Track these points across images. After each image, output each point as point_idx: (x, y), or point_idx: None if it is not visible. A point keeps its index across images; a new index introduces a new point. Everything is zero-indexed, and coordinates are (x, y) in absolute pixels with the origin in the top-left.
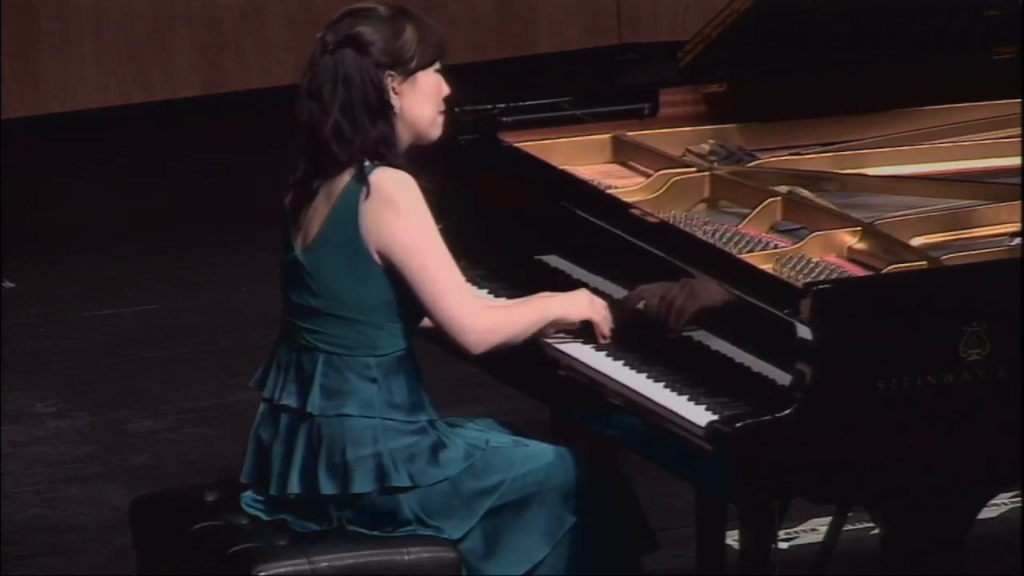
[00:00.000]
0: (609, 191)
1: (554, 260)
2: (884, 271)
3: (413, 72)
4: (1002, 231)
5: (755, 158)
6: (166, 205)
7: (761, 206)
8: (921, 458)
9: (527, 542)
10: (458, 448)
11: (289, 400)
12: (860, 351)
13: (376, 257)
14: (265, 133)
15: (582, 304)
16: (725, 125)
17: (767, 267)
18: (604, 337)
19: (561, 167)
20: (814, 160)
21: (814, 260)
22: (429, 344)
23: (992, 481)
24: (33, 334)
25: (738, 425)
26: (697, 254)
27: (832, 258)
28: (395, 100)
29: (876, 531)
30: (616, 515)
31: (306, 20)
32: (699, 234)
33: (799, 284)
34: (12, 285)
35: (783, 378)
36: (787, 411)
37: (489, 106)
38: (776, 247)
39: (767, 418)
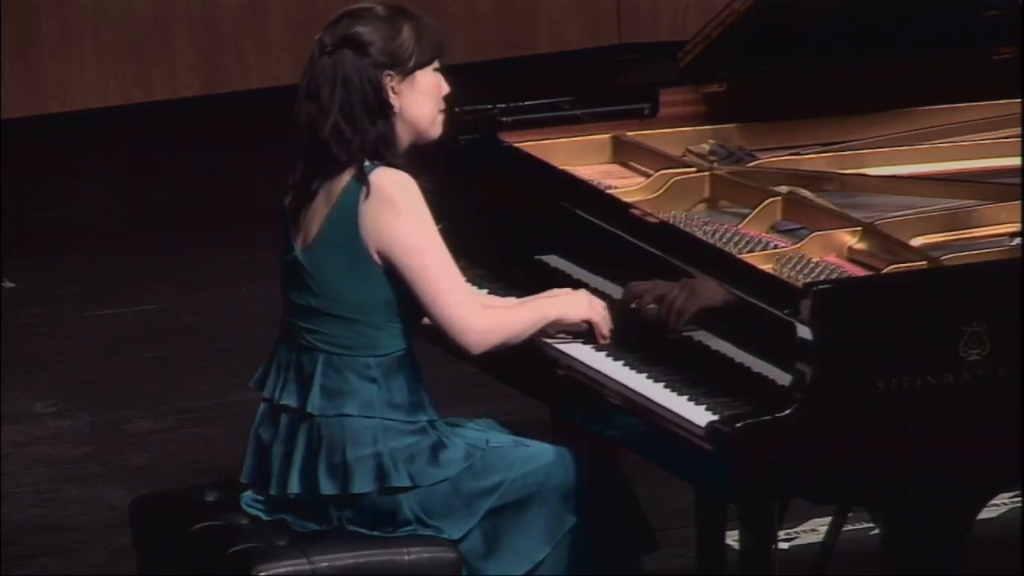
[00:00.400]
0: (609, 191)
1: (554, 260)
2: (884, 271)
3: (412, 71)
4: (1002, 231)
5: (755, 158)
6: (166, 205)
7: (761, 206)
8: (921, 458)
9: (527, 542)
10: (458, 448)
11: (289, 400)
12: (860, 351)
13: (376, 257)
14: (265, 133)
15: (581, 304)
16: (725, 125)
17: (767, 267)
18: (604, 337)
19: (561, 167)
20: (814, 160)
21: (814, 260)
22: (429, 344)
23: (992, 481)
24: (33, 334)
25: (738, 425)
26: (697, 254)
27: (832, 258)
28: (394, 100)
29: (876, 531)
30: (616, 515)
31: (306, 20)
32: (699, 234)
33: (799, 284)
34: (12, 285)
35: (783, 378)
36: (787, 411)
37: (489, 106)
38: (776, 247)
39: (767, 418)
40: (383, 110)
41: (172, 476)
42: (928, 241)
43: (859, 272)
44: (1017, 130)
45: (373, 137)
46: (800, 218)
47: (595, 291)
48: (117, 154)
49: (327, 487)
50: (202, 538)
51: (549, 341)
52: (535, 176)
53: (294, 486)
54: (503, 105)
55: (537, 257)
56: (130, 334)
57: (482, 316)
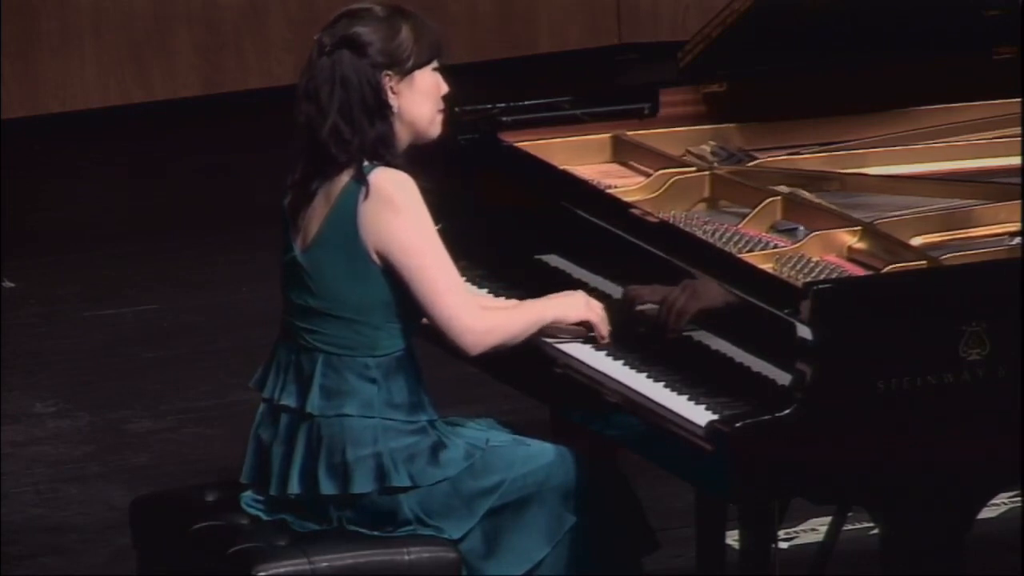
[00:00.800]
0: (609, 191)
1: (554, 260)
2: (884, 271)
3: (410, 71)
4: (1002, 231)
5: (755, 158)
6: (166, 205)
7: (761, 206)
8: (921, 458)
9: (527, 542)
10: (458, 448)
11: (289, 400)
12: (860, 351)
13: (375, 257)
14: (265, 133)
15: (579, 306)
16: (725, 125)
17: (767, 267)
18: (603, 337)
19: (561, 167)
20: (814, 160)
21: (814, 260)
22: (429, 344)
23: (992, 481)
24: (33, 334)
25: (738, 425)
26: (697, 254)
27: (832, 258)
28: (393, 100)
29: (876, 531)
30: (616, 515)
31: (306, 20)
32: (699, 234)
33: (799, 284)
34: (12, 285)
35: (783, 378)
36: (787, 411)
37: (489, 106)
38: (776, 247)
39: (767, 418)
40: (382, 110)
41: (172, 476)
42: (928, 241)
43: (859, 272)
44: (1017, 130)
45: (372, 137)
46: (800, 218)
47: (595, 291)
48: (117, 154)
49: (327, 487)
50: (202, 538)
51: (549, 341)
52: (535, 176)
53: (294, 486)
54: (503, 105)
55: (537, 257)
56: (130, 334)
57: (480, 317)
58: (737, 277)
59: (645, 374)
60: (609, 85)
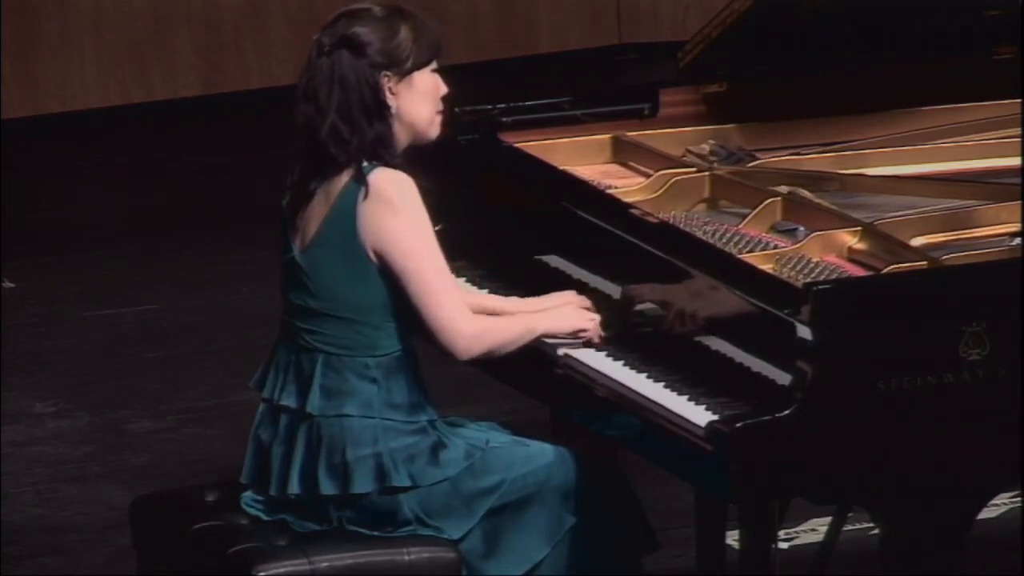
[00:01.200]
0: (609, 191)
1: (554, 260)
2: (884, 271)
3: (409, 72)
4: (1002, 231)
5: (755, 158)
6: (166, 205)
7: (761, 206)
8: (921, 458)
9: (527, 542)
10: (458, 448)
11: (289, 400)
12: (860, 351)
13: (372, 257)
14: (265, 133)
15: (570, 317)
16: (725, 125)
17: (767, 267)
18: (597, 344)
19: (561, 167)
20: (814, 160)
21: (814, 260)
22: (429, 344)
23: (992, 481)
24: (33, 334)
25: (738, 425)
26: (697, 254)
27: (832, 258)
28: (392, 100)
29: (876, 531)
30: (616, 515)
31: (306, 20)
32: (699, 234)
33: (799, 284)
34: (12, 285)
35: (783, 378)
36: (787, 411)
37: (489, 106)
38: (776, 247)
39: (767, 418)
40: (380, 111)
41: (172, 476)
42: (928, 241)
43: (859, 272)
44: (1017, 130)
45: (371, 138)
46: (800, 218)
47: (595, 291)
48: (117, 154)
49: (327, 487)
50: (202, 538)
51: (549, 341)
52: (535, 176)
53: (294, 486)
54: (503, 105)
55: (537, 257)
56: (130, 334)
57: (471, 322)
58: (737, 277)
59: (645, 374)
60: (609, 85)
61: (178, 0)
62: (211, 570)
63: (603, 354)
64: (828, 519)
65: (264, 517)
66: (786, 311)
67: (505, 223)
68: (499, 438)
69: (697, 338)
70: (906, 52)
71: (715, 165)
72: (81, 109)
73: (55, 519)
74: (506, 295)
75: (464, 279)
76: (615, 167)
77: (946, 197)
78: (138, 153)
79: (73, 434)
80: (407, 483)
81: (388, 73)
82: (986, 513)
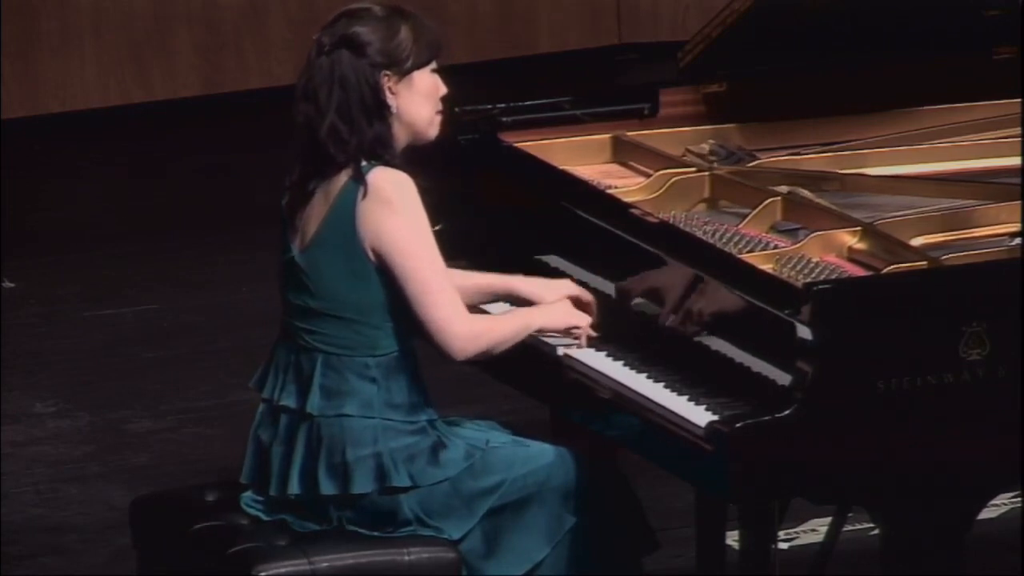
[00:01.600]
0: (609, 191)
1: (554, 260)
2: (884, 271)
3: (409, 72)
4: (1002, 231)
5: (755, 158)
6: (166, 205)
7: (761, 206)
8: (921, 458)
9: (527, 542)
10: (458, 448)
11: (288, 401)
12: (860, 351)
13: (371, 256)
14: (265, 133)
15: (563, 312)
16: (725, 125)
17: (767, 267)
18: (593, 337)
19: (561, 167)
20: (814, 160)
21: (814, 260)
22: (428, 344)
23: (992, 481)
24: (33, 334)
25: (738, 425)
26: (697, 254)
27: (832, 258)
28: (391, 100)
29: (876, 531)
30: (616, 515)
31: (306, 20)
32: (699, 234)
33: (799, 284)
34: (12, 285)
35: (783, 378)
36: (787, 411)
37: (489, 106)
38: (776, 247)
39: (767, 418)
40: (380, 111)
41: (172, 476)
42: (928, 241)
43: (859, 272)
44: (1017, 130)
45: (370, 138)
46: (800, 218)
47: (594, 291)
48: (117, 154)
49: (327, 487)
50: (202, 538)
51: (549, 340)
52: (535, 176)
53: (294, 486)
54: (503, 105)
55: (537, 257)
56: (130, 334)
57: (468, 322)
58: (737, 277)
59: (645, 374)
60: (609, 85)
61: (178, 0)
62: (211, 570)
63: (603, 354)
64: (828, 519)
65: (264, 517)
66: (786, 311)
67: (505, 223)
68: (499, 438)
69: (697, 338)
70: (906, 52)
71: (715, 165)
72: (81, 109)
73: (55, 519)
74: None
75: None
76: (615, 167)
77: (946, 197)
78: (138, 153)
79: (73, 434)
80: (407, 483)
81: (388, 73)
82: (986, 513)
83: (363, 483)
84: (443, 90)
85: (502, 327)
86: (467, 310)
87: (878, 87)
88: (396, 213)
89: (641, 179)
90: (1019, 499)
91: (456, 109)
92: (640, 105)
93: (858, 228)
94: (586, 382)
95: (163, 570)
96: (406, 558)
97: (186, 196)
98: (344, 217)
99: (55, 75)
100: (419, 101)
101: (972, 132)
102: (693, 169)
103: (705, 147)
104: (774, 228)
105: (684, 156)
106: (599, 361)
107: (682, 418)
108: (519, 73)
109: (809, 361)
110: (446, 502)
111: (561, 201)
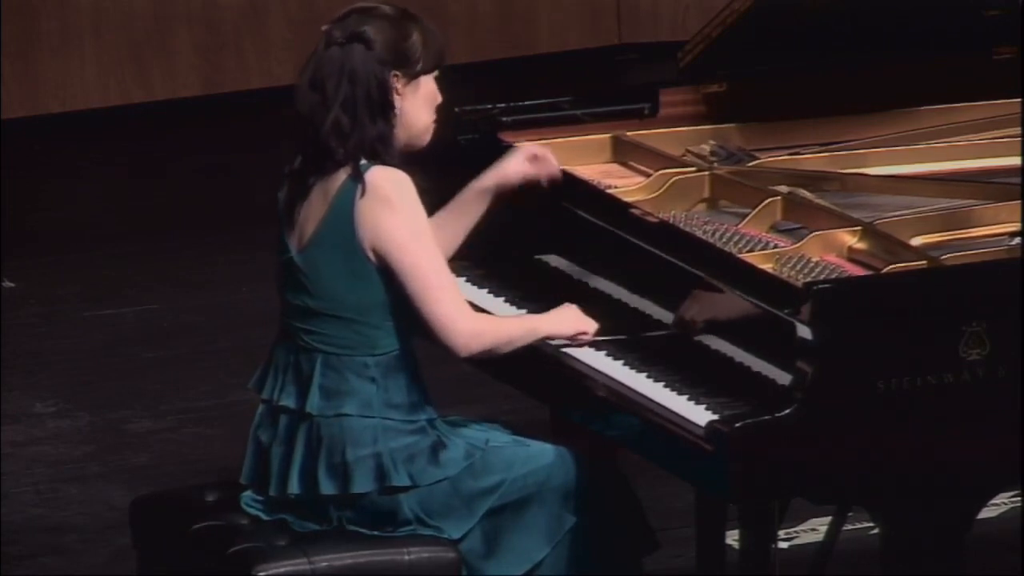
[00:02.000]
0: (609, 191)
1: (554, 260)
2: (884, 271)
3: (417, 75)
4: (1002, 231)
5: (755, 158)
6: (166, 205)
7: (761, 206)
8: (921, 458)
9: (527, 542)
10: (458, 448)
11: (288, 401)
12: (860, 351)
13: (371, 255)
14: (265, 133)
15: (572, 320)
16: (725, 125)
17: (767, 267)
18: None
19: (561, 167)
20: (814, 160)
21: (814, 260)
22: (429, 344)
23: (992, 481)
24: (33, 334)
25: (738, 425)
26: (697, 254)
27: (832, 258)
28: (397, 100)
29: (876, 531)
30: (616, 515)
31: (306, 20)
32: (699, 234)
33: (799, 284)
34: (12, 285)
35: (783, 378)
36: (787, 411)
37: (489, 106)
38: (776, 247)
39: (767, 418)
40: (384, 109)
41: (172, 476)
42: (928, 241)
43: (859, 272)
44: (1017, 130)
45: (372, 135)
46: (800, 218)
47: (595, 291)
48: (117, 154)
49: (327, 487)
50: (202, 538)
51: (549, 341)
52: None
53: (294, 486)
54: (503, 105)
55: (537, 257)
56: (130, 334)
57: (471, 319)
58: (737, 277)
59: (645, 374)
60: (609, 85)
61: (178, 0)
62: (211, 570)
63: (603, 354)
64: (828, 519)
65: (264, 517)
66: (786, 311)
67: (505, 223)
68: (499, 438)
69: (697, 338)
70: (906, 52)
71: (715, 165)
72: (81, 109)
73: (55, 519)
74: (506, 296)
75: (464, 279)
76: (615, 167)
77: (946, 197)
78: (138, 153)
79: (73, 434)
80: (407, 483)
81: (398, 73)
82: (986, 513)
83: (363, 483)
84: (439, 99)
85: (507, 328)
86: (471, 308)
87: (878, 87)
88: (395, 211)
89: (641, 179)
90: (1019, 499)
91: (456, 109)
92: (640, 105)
93: (858, 228)
94: (586, 382)
95: (163, 570)
96: (406, 558)
97: (186, 196)
98: (343, 216)
99: (55, 75)
100: (421, 106)
101: (972, 132)
102: (693, 169)
103: (705, 147)
104: (774, 228)
105: (684, 156)
106: (599, 361)
107: (682, 418)
108: (519, 73)
109: (809, 361)
110: (446, 502)
111: (561, 201)
